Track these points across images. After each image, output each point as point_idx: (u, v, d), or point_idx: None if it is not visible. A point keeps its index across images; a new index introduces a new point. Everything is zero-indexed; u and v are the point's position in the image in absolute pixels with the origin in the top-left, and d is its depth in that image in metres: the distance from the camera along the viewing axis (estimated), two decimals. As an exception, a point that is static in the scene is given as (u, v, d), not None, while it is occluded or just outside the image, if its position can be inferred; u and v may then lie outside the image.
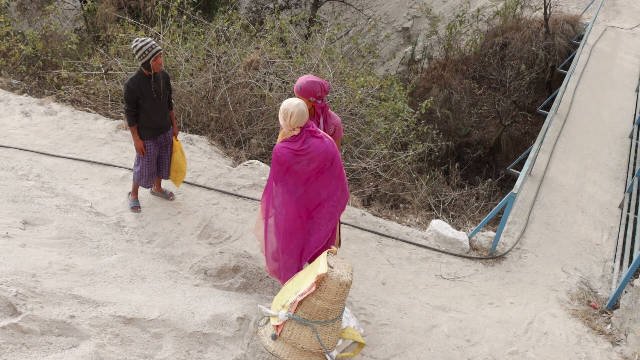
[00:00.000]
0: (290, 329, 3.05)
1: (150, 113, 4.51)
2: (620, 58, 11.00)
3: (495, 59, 11.59)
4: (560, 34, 11.63)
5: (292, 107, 3.22)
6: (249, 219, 5.05)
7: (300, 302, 3.04)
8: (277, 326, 3.07)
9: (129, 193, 4.98)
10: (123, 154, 5.78)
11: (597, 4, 12.11)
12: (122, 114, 6.84)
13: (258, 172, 5.83)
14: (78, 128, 6.13)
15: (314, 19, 11.66)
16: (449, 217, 6.60)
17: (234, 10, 10.23)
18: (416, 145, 7.71)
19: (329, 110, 3.75)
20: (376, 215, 5.66)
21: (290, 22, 8.72)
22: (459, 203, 7.25)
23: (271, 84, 7.34)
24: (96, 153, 5.71)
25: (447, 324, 4.19)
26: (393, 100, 8.04)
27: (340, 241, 3.99)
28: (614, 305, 4.65)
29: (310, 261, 3.69)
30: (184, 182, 5.35)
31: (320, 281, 3.02)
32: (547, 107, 9.72)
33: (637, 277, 4.69)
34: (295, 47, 8.23)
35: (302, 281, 3.16)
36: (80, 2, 10.99)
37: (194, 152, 6.00)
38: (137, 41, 4.25)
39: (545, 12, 11.32)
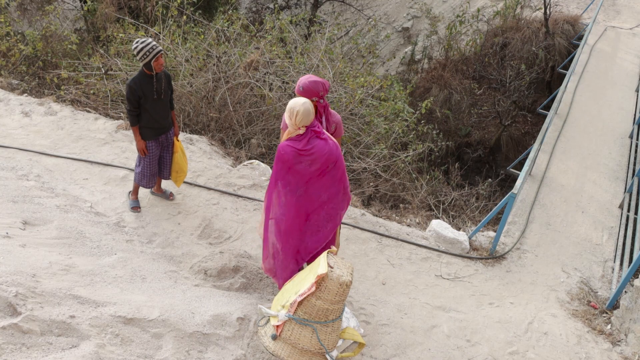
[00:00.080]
0: (290, 329, 3.05)
1: (152, 113, 4.51)
2: (620, 58, 11.01)
3: (495, 59, 11.59)
4: (560, 34, 11.63)
5: (299, 105, 3.23)
6: (249, 219, 5.06)
7: (300, 302, 3.04)
8: (277, 326, 3.07)
9: (129, 193, 4.98)
10: (123, 154, 5.78)
11: (597, 4, 12.11)
12: (122, 114, 6.84)
13: (258, 172, 5.84)
14: (78, 128, 6.13)
15: (314, 19, 11.66)
16: (449, 217, 6.60)
17: (234, 11, 10.23)
18: (416, 145, 7.71)
19: (330, 108, 3.75)
20: (376, 216, 5.66)
21: (290, 22, 8.72)
22: (459, 203, 7.25)
23: (271, 84, 7.34)
24: (96, 153, 5.71)
25: (447, 324, 4.19)
26: (393, 101, 8.04)
27: (339, 243, 3.99)
28: (614, 305, 4.65)
29: (309, 262, 3.69)
30: (184, 182, 5.35)
31: (320, 281, 3.02)
32: (547, 107, 9.73)
33: (637, 277, 4.69)
34: (295, 47, 8.23)
35: (302, 281, 3.16)
36: (80, 2, 10.99)
37: (194, 152, 6.00)
38: (137, 42, 4.24)
39: (545, 12, 11.32)
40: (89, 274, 3.60)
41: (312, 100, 3.54)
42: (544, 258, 5.31)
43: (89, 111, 6.65)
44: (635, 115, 8.72)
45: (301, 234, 3.51)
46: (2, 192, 4.46)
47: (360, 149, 7.07)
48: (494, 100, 11.01)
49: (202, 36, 7.90)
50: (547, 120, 6.94)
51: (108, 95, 7.15)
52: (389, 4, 17.39)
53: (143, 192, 5.11)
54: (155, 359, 3.03)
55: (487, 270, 5.03)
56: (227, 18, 8.68)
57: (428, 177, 7.80)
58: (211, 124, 6.94)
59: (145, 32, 8.13)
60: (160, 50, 4.29)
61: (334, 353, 3.19)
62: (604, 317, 4.56)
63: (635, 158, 7.46)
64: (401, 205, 6.52)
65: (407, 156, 7.28)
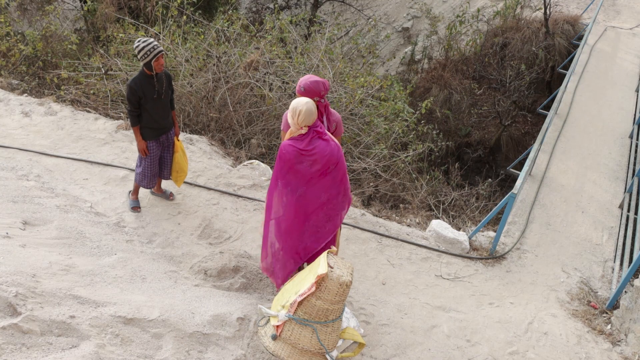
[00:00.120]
0: (291, 329, 3.05)
1: (153, 113, 4.50)
2: (620, 58, 11.01)
3: (495, 59, 11.59)
4: (560, 34, 11.63)
5: (301, 105, 3.24)
6: (249, 219, 5.06)
7: (300, 303, 3.04)
8: (277, 326, 3.07)
9: (129, 192, 4.98)
10: (123, 154, 5.78)
11: (597, 4, 12.11)
12: (122, 114, 6.84)
13: (258, 172, 5.83)
14: (78, 128, 6.13)
15: (314, 19, 11.67)
16: (449, 217, 6.60)
17: (234, 11, 10.23)
18: (416, 145, 7.71)
19: (330, 108, 3.76)
20: (376, 216, 5.66)
21: (290, 22, 8.72)
22: (459, 203, 7.25)
23: (271, 84, 7.34)
24: (96, 153, 5.71)
25: (447, 324, 4.19)
26: (393, 101, 8.04)
27: (339, 243, 3.99)
28: (614, 305, 4.65)
29: (309, 262, 3.69)
30: (184, 182, 5.35)
31: (320, 281, 3.02)
32: (547, 107, 9.73)
33: (637, 277, 4.69)
34: (295, 48, 8.23)
35: (302, 281, 3.16)
36: (80, 2, 10.99)
37: (194, 152, 6.00)
38: (139, 41, 4.24)
39: (545, 12, 11.32)
40: (89, 274, 3.60)
41: (313, 101, 3.54)
42: (544, 258, 5.31)
43: (89, 111, 6.65)
44: (635, 115, 8.72)
45: (300, 234, 3.51)
46: (2, 192, 4.46)
47: (360, 149, 7.07)
48: (494, 100, 11.01)
49: (202, 36, 7.90)
50: (547, 120, 6.94)
51: (108, 96, 7.15)
52: (389, 4, 17.39)
53: (143, 192, 5.11)
54: (155, 359, 3.03)
55: (487, 270, 5.03)
56: (227, 18, 8.68)
57: (428, 177, 7.80)
58: (211, 124, 6.94)
59: (145, 32, 8.13)
60: (161, 51, 4.29)
61: (334, 353, 3.19)
62: (604, 317, 4.56)
63: (635, 158, 7.46)
64: (401, 205, 6.52)
65: (407, 156, 7.28)
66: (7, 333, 2.70)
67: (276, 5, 12.72)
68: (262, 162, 6.24)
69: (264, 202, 5.30)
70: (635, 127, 8.14)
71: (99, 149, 5.80)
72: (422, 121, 8.97)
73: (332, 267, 3.08)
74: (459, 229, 5.86)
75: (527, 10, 13.23)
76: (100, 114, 6.69)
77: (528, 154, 6.81)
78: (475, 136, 11.22)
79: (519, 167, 6.89)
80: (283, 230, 3.51)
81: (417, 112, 8.16)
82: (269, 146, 6.95)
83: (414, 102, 9.83)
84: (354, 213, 5.46)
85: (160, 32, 7.86)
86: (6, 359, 2.59)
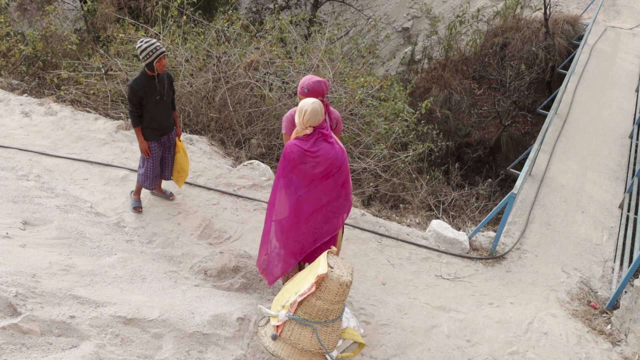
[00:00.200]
0: (291, 329, 3.05)
1: (154, 114, 4.50)
2: (620, 58, 11.01)
3: (495, 59, 11.59)
4: (560, 34, 11.63)
5: (308, 105, 3.25)
6: (249, 219, 5.06)
7: (300, 303, 3.04)
8: (277, 326, 3.07)
9: (131, 192, 4.97)
10: (123, 154, 5.78)
11: (597, 4, 12.11)
12: (122, 114, 6.85)
13: (258, 172, 5.83)
14: (78, 128, 6.13)
15: (314, 19, 11.67)
16: (449, 217, 6.60)
17: (234, 11, 10.23)
18: (416, 145, 7.72)
19: (330, 107, 3.77)
20: (376, 216, 5.66)
21: (290, 22, 8.72)
22: (459, 203, 7.25)
23: (271, 84, 7.34)
24: (96, 153, 5.71)
25: (447, 324, 4.19)
26: (393, 101, 8.04)
27: (340, 245, 3.98)
28: (614, 305, 4.65)
29: (305, 261, 3.69)
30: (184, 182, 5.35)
31: (320, 281, 3.02)
32: (547, 107, 9.73)
33: (637, 277, 4.69)
34: (295, 48, 8.23)
35: (302, 281, 3.16)
36: (80, 2, 10.99)
37: (194, 153, 6.00)
38: (141, 42, 4.22)
39: (545, 13, 11.32)
40: (89, 274, 3.60)
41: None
42: (544, 258, 5.31)
43: (89, 111, 6.65)
44: (635, 115, 8.72)
45: (299, 235, 3.51)
46: (2, 192, 4.46)
47: (360, 149, 7.08)
48: (494, 101, 11.01)
49: (202, 36, 7.90)
50: (547, 120, 6.94)
51: (108, 96, 7.15)
52: (389, 4, 17.40)
53: (143, 192, 5.11)
54: (155, 359, 3.03)
55: (487, 271, 5.03)
56: (227, 18, 8.68)
57: (428, 177, 7.80)
58: (211, 124, 6.94)
59: (145, 32, 8.13)
60: (164, 52, 4.28)
61: (334, 353, 3.19)
62: (604, 317, 4.56)
63: (635, 158, 7.46)
64: (401, 205, 6.53)
65: (407, 156, 7.28)
66: (7, 333, 2.70)
67: (276, 6, 12.73)
68: (262, 162, 6.24)
69: (264, 202, 5.30)
70: (635, 127, 8.14)
71: (99, 149, 5.80)
72: (422, 121, 8.97)
73: (332, 267, 3.08)
74: (459, 229, 5.86)
75: (527, 10, 13.23)
76: (100, 114, 6.69)
77: (528, 154, 6.81)
78: (475, 136, 11.23)
79: (519, 167, 6.89)
80: (281, 231, 3.51)
81: (417, 112, 8.16)
82: (269, 146, 6.95)
83: (414, 102, 9.84)
84: (354, 213, 5.46)
85: (160, 32, 7.86)
86: (6, 359, 2.59)
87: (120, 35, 7.93)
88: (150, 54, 4.22)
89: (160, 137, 4.65)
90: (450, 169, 8.85)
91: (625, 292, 4.55)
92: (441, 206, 6.98)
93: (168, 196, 5.10)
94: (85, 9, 9.83)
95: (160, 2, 8.43)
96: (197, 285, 4.00)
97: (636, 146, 7.70)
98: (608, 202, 6.46)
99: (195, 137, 6.41)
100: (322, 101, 3.57)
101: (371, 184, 6.84)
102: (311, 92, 3.50)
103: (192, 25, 8.58)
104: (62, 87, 7.21)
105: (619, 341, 4.26)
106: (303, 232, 3.50)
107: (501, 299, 4.66)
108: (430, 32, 13.75)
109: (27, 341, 2.73)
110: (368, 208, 6.01)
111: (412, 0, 16.66)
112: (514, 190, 4.97)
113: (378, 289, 4.51)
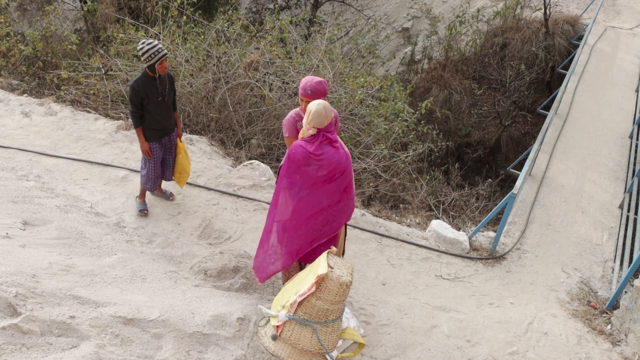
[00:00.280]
0: (291, 329, 3.05)
1: (155, 115, 4.49)
2: (620, 58, 11.01)
3: (495, 59, 11.59)
4: (560, 34, 11.63)
5: (314, 105, 3.26)
6: (249, 220, 5.06)
7: (300, 303, 3.04)
8: (277, 326, 3.07)
9: (137, 197, 4.96)
10: (123, 154, 5.78)
11: (597, 4, 12.11)
12: (122, 115, 6.85)
13: (258, 172, 5.83)
14: (78, 128, 6.13)
15: (314, 19, 11.67)
16: (449, 217, 6.60)
17: (234, 11, 10.23)
18: (416, 145, 7.72)
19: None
20: (376, 216, 5.66)
21: (290, 22, 8.72)
22: (459, 203, 7.25)
23: (271, 84, 7.34)
24: (96, 153, 5.71)
25: (447, 324, 4.19)
26: (393, 101, 8.04)
27: (341, 246, 3.97)
28: (614, 305, 4.65)
29: (304, 261, 3.69)
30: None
31: (320, 281, 3.02)
32: (547, 107, 9.73)
33: (637, 277, 4.69)
34: (295, 48, 8.23)
35: (302, 282, 3.16)
36: (80, 2, 10.99)
37: (194, 153, 6.00)
38: (143, 43, 4.21)
39: (545, 13, 11.32)
40: (89, 274, 3.60)
41: None
42: (544, 258, 5.31)
43: (89, 111, 6.65)
44: (635, 115, 8.72)
45: (298, 237, 3.51)
46: (2, 192, 4.46)
47: (360, 149, 7.08)
48: (494, 101, 11.01)
49: (202, 36, 7.90)
50: (547, 120, 6.94)
51: (108, 96, 7.15)
52: (389, 4, 17.40)
53: (147, 194, 5.10)
54: (155, 359, 3.03)
55: (487, 271, 5.03)
56: (227, 18, 8.68)
57: (428, 177, 7.80)
58: (211, 124, 6.94)
59: (145, 33, 8.13)
60: (166, 54, 4.26)
61: (334, 353, 3.19)
62: (604, 317, 4.56)
63: (635, 158, 7.46)
64: (401, 205, 6.53)
65: (407, 156, 7.28)
66: (7, 333, 2.70)
67: (276, 6, 12.72)
68: (262, 162, 6.24)
69: (264, 202, 5.30)
70: (635, 127, 8.14)
71: (99, 149, 5.80)
72: (422, 121, 8.97)
73: (332, 267, 3.08)
74: (459, 229, 5.86)
75: (527, 10, 13.23)
76: (100, 114, 6.69)
77: (528, 154, 6.81)
78: (475, 136, 11.23)
79: (519, 167, 6.90)
80: (281, 231, 3.51)
81: (417, 112, 8.16)
82: (269, 146, 6.95)
83: (414, 102, 9.84)
84: (354, 213, 5.46)
85: (160, 33, 7.86)
86: (6, 359, 2.59)
87: (120, 35, 7.94)
88: (153, 56, 4.20)
89: (161, 138, 4.65)
90: (450, 169, 8.85)
91: (625, 292, 4.56)
92: (441, 206, 6.98)
93: (168, 196, 5.10)
94: (85, 9, 9.84)
95: (160, 2, 8.44)
96: (197, 285, 4.00)
97: (636, 146, 7.70)
98: (608, 202, 6.46)
99: (195, 137, 6.42)
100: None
101: (371, 184, 6.84)
102: (314, 93, 3.49)
103: (192, 25, 8.58)
104: (62, 87, 7.21)
105: (619, 341, 4.26)
106: (302, 233, 3.50)
107: (501, 299, 4.66)
108: (430, 32, 13.75)
109: (27, 341, 2.73)
110: (368, 208, 6.02)
111: (412, 0, 16.66)
112: (514, 191, 4.97)
113: (378, 289, 4.51)
